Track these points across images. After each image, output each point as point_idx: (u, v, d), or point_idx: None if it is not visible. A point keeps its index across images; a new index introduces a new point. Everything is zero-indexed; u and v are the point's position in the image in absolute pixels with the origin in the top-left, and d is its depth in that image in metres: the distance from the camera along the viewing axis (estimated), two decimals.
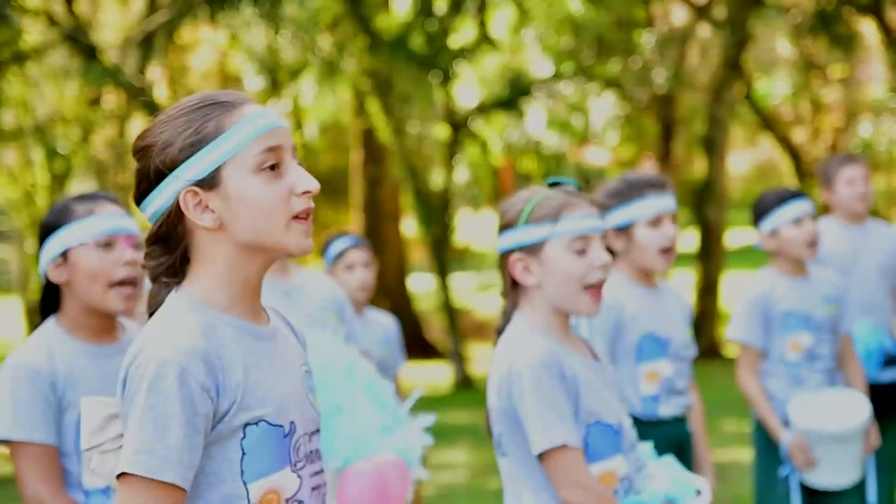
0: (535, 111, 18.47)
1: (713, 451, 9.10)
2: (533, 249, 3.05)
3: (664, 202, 4.11)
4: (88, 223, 3.17)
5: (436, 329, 18.90)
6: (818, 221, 5.07)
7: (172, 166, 2.11)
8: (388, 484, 2.19)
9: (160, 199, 2.13)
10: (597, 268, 3.04)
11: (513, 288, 3.12)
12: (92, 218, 3.18)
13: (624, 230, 4.13)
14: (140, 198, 2.17)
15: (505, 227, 3.12)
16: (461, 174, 20.02)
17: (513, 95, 15.81)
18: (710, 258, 15.82)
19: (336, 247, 5.63)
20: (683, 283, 17.10)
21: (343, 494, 2.16)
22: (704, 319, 15.61)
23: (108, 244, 3.16)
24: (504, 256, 3.11)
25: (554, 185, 3.16)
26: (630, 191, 4.11)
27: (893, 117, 15.99)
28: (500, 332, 3.14)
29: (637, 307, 4.12)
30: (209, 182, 2.10)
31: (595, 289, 3.06)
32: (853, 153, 7.02)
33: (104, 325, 3.24)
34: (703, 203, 15.66)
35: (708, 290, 15.83)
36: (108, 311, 3.19)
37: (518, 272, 3.07)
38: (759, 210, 4.82)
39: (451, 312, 15.32)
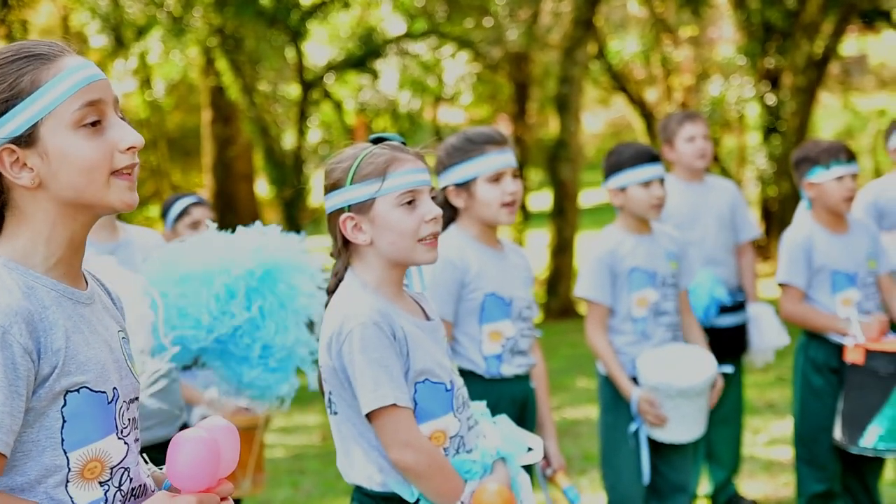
0: (389, 71, 18.33)
1: (565, 409, 9.21)
2: (362, 207, 3.02)
3: (504, 158, 4.10)
4: None
5: None
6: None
7: None
8: (219, 448, 2.07)
9: None
10: (428, 221, 3.02)
11: (344, 247, 3.08)
12: None
13: (465, 186, 4.11)
14: None
15: (332, 186, 3.08)
16: (314, 134, 19.81)
17: (365, 54, 15.63)
18: (563, 217, 15.90)
19: (179, 205, 5.63)
20: (538, 243, 17.22)
21: (173, 462, 2.04)
22: (558, 279, 15.72)
23: None
24: (333, 216, 3.08)
25: (378, 140, 3.11)
26: (470, 147, 4.10)
27: (742, 77, 16.26)
28: (330, 292, 3.10)
29: (481, 268, 4.11)
30: (26, 139, 2.02)
31: (429, 240, 3.03)
32: (693, 111, 7.08)
33: None
34: (557, 162, 15.71)
35: (562, 250, 15.92)
36: None
37: (348, 231, 3.04)
38: (613, 164, 4.78)
39: None
